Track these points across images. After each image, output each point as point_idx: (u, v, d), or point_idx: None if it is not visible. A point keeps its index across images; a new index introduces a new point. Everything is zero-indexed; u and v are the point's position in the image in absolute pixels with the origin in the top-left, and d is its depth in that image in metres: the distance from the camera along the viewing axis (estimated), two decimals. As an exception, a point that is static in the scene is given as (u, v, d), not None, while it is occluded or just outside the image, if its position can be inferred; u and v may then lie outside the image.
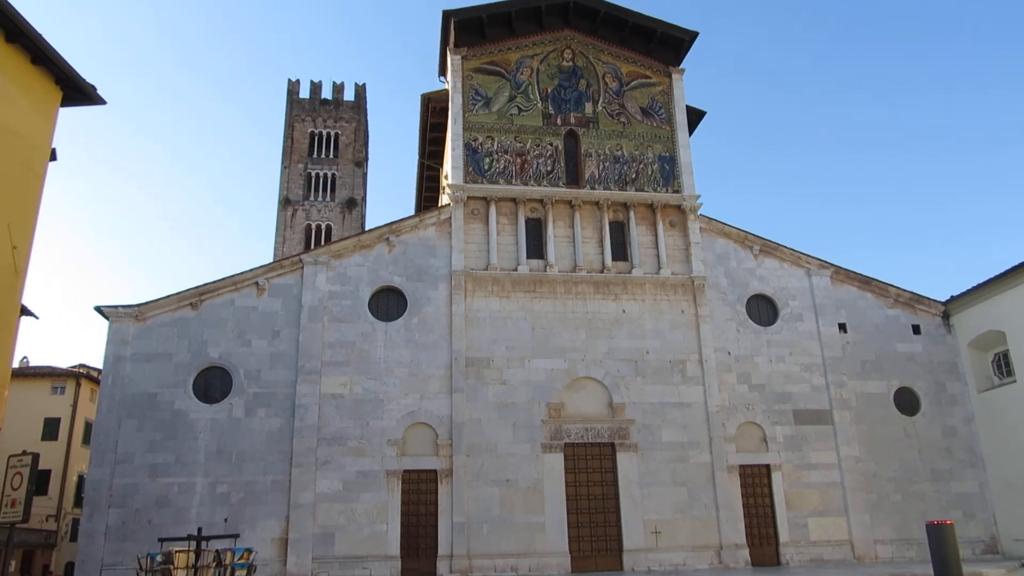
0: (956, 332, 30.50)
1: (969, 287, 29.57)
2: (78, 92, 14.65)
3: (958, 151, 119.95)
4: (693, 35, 32.04)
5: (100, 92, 15.02)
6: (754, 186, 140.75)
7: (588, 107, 31.44)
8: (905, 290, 30.88)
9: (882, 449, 28.43)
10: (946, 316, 30.78)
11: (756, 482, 27.51)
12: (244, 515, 24.44)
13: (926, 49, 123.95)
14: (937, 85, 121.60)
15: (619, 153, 30.91)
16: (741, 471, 27.44)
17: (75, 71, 14.07)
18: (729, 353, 28.73)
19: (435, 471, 25.88)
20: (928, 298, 30.99)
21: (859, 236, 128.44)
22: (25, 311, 20.60)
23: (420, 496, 25.67)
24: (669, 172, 30.94)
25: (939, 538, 10.15)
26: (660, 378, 27.95)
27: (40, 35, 13.53)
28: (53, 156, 14.19)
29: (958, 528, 10.89)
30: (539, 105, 31.09)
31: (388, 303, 27.85)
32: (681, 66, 32.51)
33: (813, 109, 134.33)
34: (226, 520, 24.17)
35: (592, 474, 26.77)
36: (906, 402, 29.42)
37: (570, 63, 31.91)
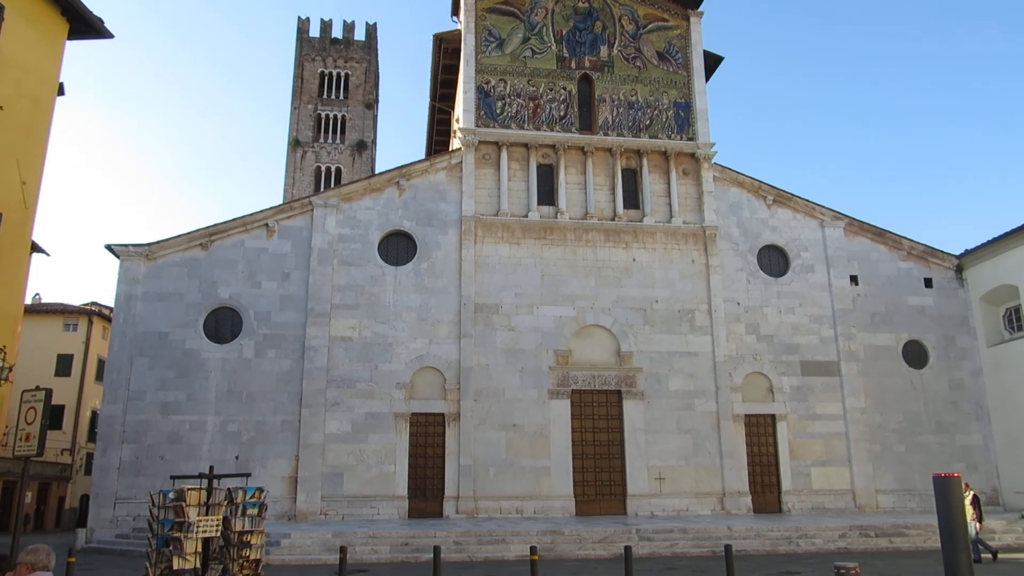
0: (968, 286, 30.29)
1: (984, 241, 29.31)
2: (85, 25, 14.37)
3: (984, 110, 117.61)
4: (713, -23, 31.13)
5: (107, 26, 14.75)
6: (771, 133, 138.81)
7: (603, 50, 30.78)
8: (919, 243, 30.58)
9: (888, 401, 28.53)
10: (959, 270, 30.54)
11: (761, 431, 27.72)
12: (254, 453, 24.85)
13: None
14: (964, 19, 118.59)
15: (634, 98, 30.37)
16: (746, 420, 27.64)
17: (81, 3, 13.78)
18: (738, 303, 28.66)
19: (443, 414, 26.15)
20: (942, 251, 30.72)
21: (875, 188, 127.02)
22: (36, 248, 20.64)
23: (428, 439, 26.00)
24: (684, 119, 30.43)
25: (946, 490, 10.15)
26: (668, 327, 27.96)
27: (45, -34, 13.22)
28: (61, 90, 14.00)
29: (961, 480, 10.91)
30: (553, 48, 30.46)
31: (398, 247, 27.79)
32: (700, 9, 31.69)
33: (839, 46, 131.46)
34: (237, 458, 24.61)
35: (598, 420, 27.00)
36: (914, 355, 29.41)
37: (586, 4, 31.14)
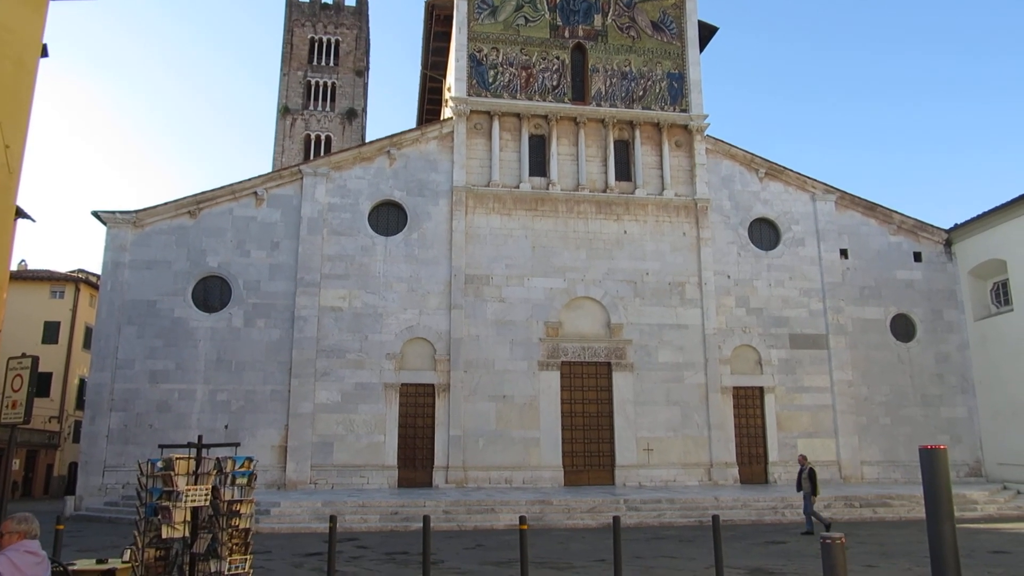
0: (957, 260, 30.43)
1: (973, 215, 29.40)
2: (68, -14, 14.01)
3: (972, 88, 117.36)
4: (709, -55, 30.70)
5: (91, -13, 14.40)
6: (763, 105, 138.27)
7: (597, 19, 30.43)
8: (909, 217, 30.64)
9: (875, 374, 28.77)
10: (948, 244, 30.65)
11: (749, 403, 27.93)
12: (244, 422, 24.85)
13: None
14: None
15: (627, 69, 30.09)
16: (735, 392, 27.82)
17: (64, -37, 13.42)
18: (729, 276, 28.70)
19: (432, 385, 26.19)
20: (932, 225, 30.80)
21: (866, 161, 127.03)
22: (21, 213, 20.39)
23: (418, 409, 26.06)
24: (677, 90, 30.20)
25: (931, 463, 10.19)
26: (659, 299, 28.00)
27: (26, -77, 12.85)
28: (44, 52, 13.65)
29: (947, 452, 11.01)
30: (547, 16, 30.07)
31: (388, 217, 27.62)
32: (695, -22, 31.29)
33: (832, 16, 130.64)
34: (226, 427, 24.62)
35: (588, 392, 27.12)
36: (902, 329, 29.61)
37: (580, -28, 30.68)
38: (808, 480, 18.44)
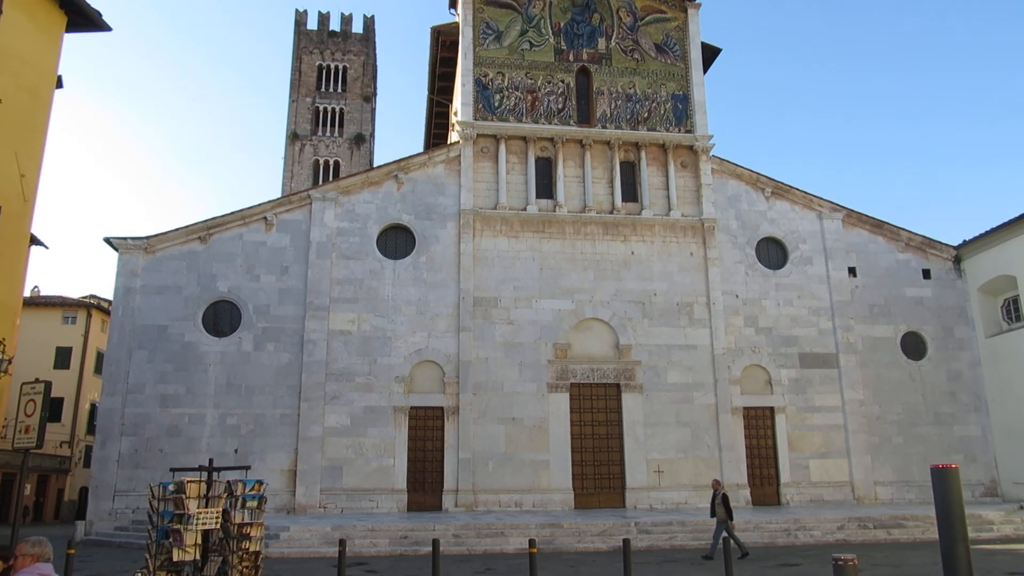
0: (967, 277, 30.31)
1: (982, 232, 29.32)
2: (83, 17, 14.32)
3: (981, 102, 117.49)
4: (712, -32, 31.03)
5: (105, 18, 14.70)
6: (769, 124, 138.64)
7: (601, 43, 30.71)
8: (917, 234, 30.59)
9: (886, 392, 28.59)
10: (957, 261, 30.56)
11: (759, 424, 27.77)
12: (254, 446, 24.87)
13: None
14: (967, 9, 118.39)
15: (631, 91, 30.31)
16: (745, 413, 27.68)
17: (79, -5, 13.75)
18: (737, 296, 28.67)
19: (442, 408, 26.17)
20: (940, 242, 30.73)
21: (873, 179, 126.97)
22: (35, 240, 20.60)
23: (427, 432, 26.02)
24: (682, 111, 30.39)
25: (943, 482, 10.16)
26: (667, 320, 27.98)
27: (42, -42, 13.17)
28: (59, 83, 13.95)
29: (959, 471, 10.92)
30: (551, 40, 30.38)
31: (396, 241, 27.77)
32: (697, 0, 31.60)
33: (837, 36, 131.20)
34: (236, 451, 24.63)
35: (597, 414, 27.04)
36: (913, 346, 29.45)
37: (584, -4, 31.03)
38: (722, 505, 17.93)
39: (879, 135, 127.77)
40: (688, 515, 23.03)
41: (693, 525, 21.54)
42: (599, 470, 26.57)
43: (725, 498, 17.97)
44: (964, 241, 30.28)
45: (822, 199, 30.28)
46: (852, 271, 29.74)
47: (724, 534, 16.03)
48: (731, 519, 17.90)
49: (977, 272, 29.87)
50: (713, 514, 18.23)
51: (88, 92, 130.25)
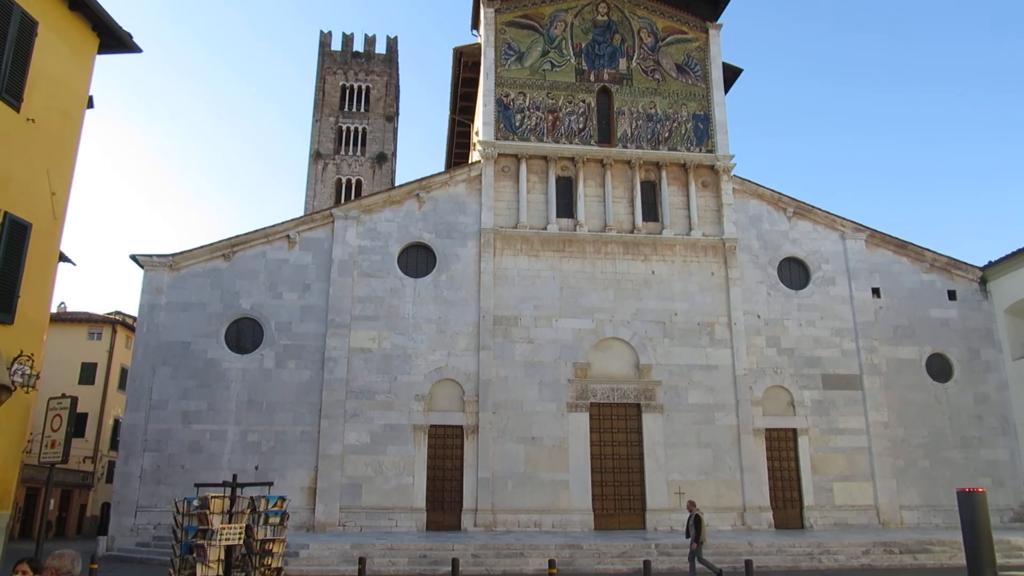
0: (993, 298, 29.92)
1: (1008, 252, 28.96)
2: (114, 40, 14.63)
3: (1004, 123, 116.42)
4: (733, -11, 31.17)
5: (136, 40, 15.02)
6: (790, 144, 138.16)
7: (622, 63, 30.86)
8: (941, 255, 30.27)
9: (912, 415, 28.19)
10: (983, 282, 30.19)
11: (782, 446, 27.47)
12: (274, 463, 24.95)
13: None
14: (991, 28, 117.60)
15: (652, 111, 30.39)
16: (767, 434, 27.40)
17: (111, 18, 14.04)
18: (759, 316, 28.48)
19: (461, 427, 26.14)
20: (965, 263, 30.38)
21: (896, 199, 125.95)
22: (63, 257, 20.94)
23: (446, 451, 25.99)
24: (703, 131, 30.40)
25: (970, 506, 10.02)
26: (688, 340, 27.83)
27: (77, -19, 13.52)
28: (90, 103, 14.26)
29: (987, 496, 10.75)
30: (572, 61, 30.58)
31: (417, 259, 27.91)
32: (719, 21, 31.71)
33: (859, 56, 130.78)
34: (256, 468, 24.73)
35: (617, 434, 26.88)
36: (938, 368, 29.06)
37: (605, 17, 31.26)
38: (694, 527, 17.67)
39: (902, 155, 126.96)
40: (709, 538, 22.72)
41: (714, 548, 21.25)
42: (619, 491, 26.37)
43: (697, 519, 17.66)
44: (990, 262, 29.92)
45: (844, 219, 30.08)
46: (876, 292, 29.46)
47: (702, 555, 15.90)
48: (697, 542, 17.59)
49: (1004, 293, 29.47)
50: (688, 535, 17.94)
51: (117, 111, 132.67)
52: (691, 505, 18.55)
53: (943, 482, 27.42)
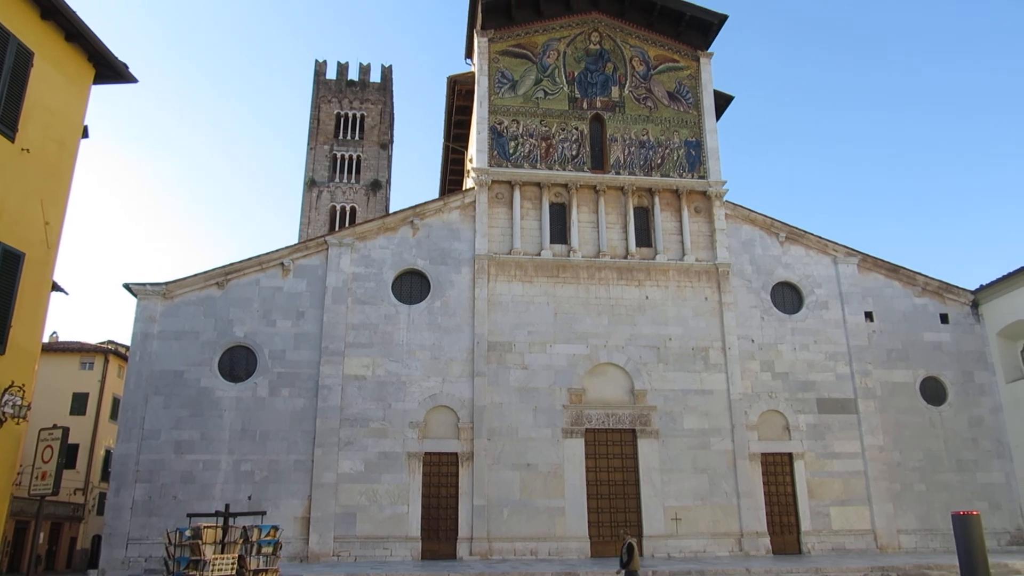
0: (985, 321, 30.05)
1: (1000, 276, 29.12)
2: (110, 70, 14.76)
3: (997, 149, 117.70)
4: (722, 18, 31.61)
5: (132, 70, 15.14)
6: (782, 169, 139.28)
7: (614, 91, 31.19)
8: (933, 278, 30.46)
9: (907, 439, 28.17)
10: (975, 305, 30.34)
11: (778, 470, 27.38)
12: (267, 493, 24.74)
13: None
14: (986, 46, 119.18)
15: (645, 138, 30.67)
16: (763, 459, 27.32)
17: (108, 49, 14.18)
18: (753, 341, 28.53)
19: (456, 454, 25.99)
20: (957, 287, 30.55)
21: (888, 224, 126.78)
22: (56, 287, 20.90)
23: (441, 479, 25.82)
24: (695, 157, 30.66)
25: (965, 529, 10.02)
26: (682, 365, 27.84)
27: (74, 12, 13.65)
28: (85, 133, 14.34)
29: (984, 519, 10.73)
30: (565, 89, 30.89)
31: (411, 286, 27.93)
32: (710, 50, 32.12)
33: (850, 81, 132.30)
34: (250, 497, 24.48)
35: (612, 460, 26.77)
36: (932, 392, 29.10)
37: (597, 46, 31.64)
38: (626, 553, 17.60)
39: (893, 179, 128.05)
40: (707, 564, 22.59)
41: (712, 574, 21.14)
42: (615, 517, 26.19)
43: (630, 547, 17.58)
44: (982, 285, 30.09)
45: (836, 243, 30.27)
46: (869, 316, 29.58)
47: None
48: (622, 568, 17.46)
49: (996, 317, 29.61)
50: (621, 564, 17.83)
51: (111, 140, 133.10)
52: (625, 535, 18.67)
53: (939, 506, 27.34)
